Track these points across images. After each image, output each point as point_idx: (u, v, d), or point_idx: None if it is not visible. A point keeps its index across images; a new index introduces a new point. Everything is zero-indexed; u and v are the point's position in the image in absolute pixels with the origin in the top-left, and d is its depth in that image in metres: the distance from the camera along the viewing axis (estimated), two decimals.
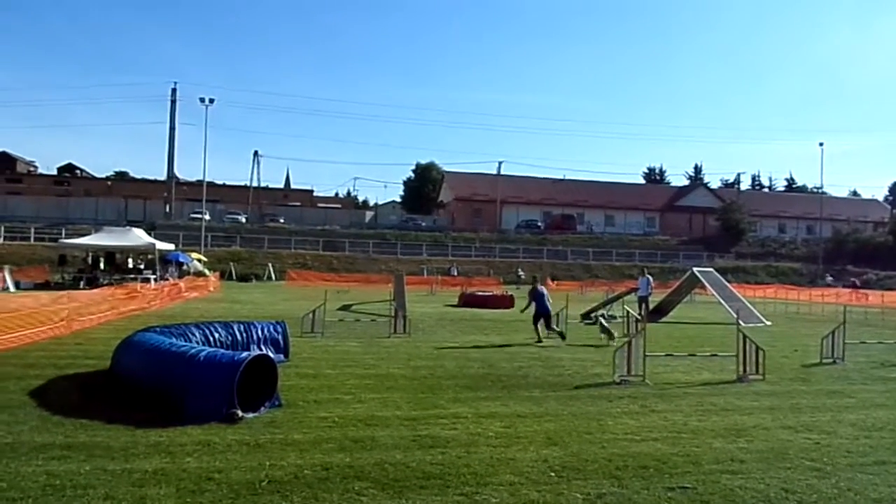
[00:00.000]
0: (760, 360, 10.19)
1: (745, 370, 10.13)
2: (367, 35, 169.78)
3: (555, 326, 15.17)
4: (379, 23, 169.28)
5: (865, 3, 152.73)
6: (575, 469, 5.53)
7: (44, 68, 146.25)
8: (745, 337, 10.27)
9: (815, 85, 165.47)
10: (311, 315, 14.78)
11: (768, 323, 20.54)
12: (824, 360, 12.32)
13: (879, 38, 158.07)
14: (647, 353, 9.85)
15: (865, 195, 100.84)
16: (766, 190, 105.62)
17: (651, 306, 22.37)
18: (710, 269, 25.24)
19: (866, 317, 24.34)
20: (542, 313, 15.12)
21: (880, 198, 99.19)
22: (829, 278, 55.26)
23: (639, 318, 15.12)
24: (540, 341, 14.64)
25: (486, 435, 6.54)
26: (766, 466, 5.73)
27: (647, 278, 22.99)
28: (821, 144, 75.45)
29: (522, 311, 16.30)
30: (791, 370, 11.40)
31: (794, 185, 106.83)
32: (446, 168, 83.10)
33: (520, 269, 52.31)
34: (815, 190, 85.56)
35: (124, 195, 68.44)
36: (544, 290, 15.62)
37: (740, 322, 11.08)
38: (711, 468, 5.64)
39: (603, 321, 15.97)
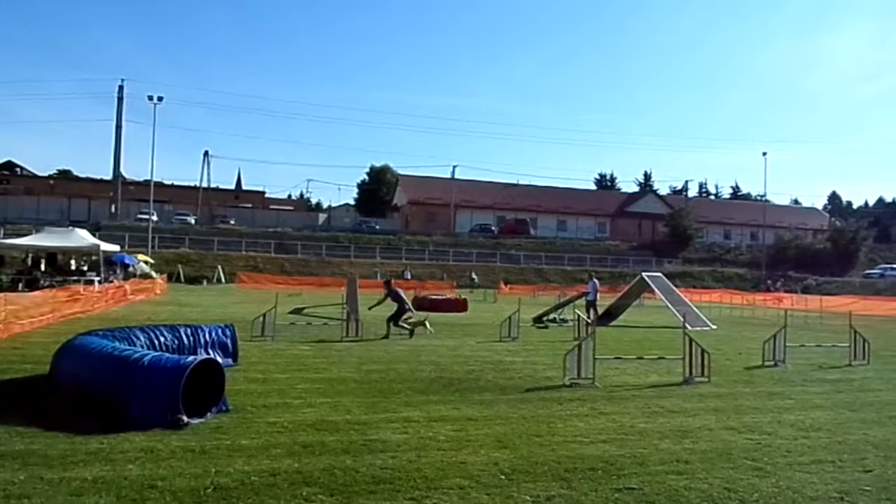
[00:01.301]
0: (706, 362, 10.44)
1: (691, 373, 10.37)
2: (322, 37, 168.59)
3: (403, 324, 16.12)
4: (334, 25, 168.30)
5: (807, 19, 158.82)
6: (525, 472, 5.56)
7: None
8: (691, 340, 10.51)
9: (759, 96, 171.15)
10: (261, 318, 14.55)
11: (714, 327, 21.09)
12: (766, 363, 12.70)
13: (821, 52, 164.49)
14: (596, 357, 10.00)
15: (806, 203, 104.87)
16: (712, 197, 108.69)
17: (601, 310, 22.75)
18: (659, 274, 25.80)
19: (806, 321, 25.21)
20: (399, 310, 16.22)
21: (820, 206, 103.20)
22: (778, 283, 56.98)
23: (588, 321, 15.43)
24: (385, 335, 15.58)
25: (437, 439, 6.52)
26: (710, 466, 5.86)
27: (595, 282, 23.44)
28: (764, 154, 78.13)
29: (371, 308, 16.89)
30: (735, 372, 11.71)
31: (739, 193, 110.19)
32: (401, 171, 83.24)
33: (473, 273, 52.58)
34: (758, 198, 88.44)
35: (67, 194, 66.29)
36: (400, 290, 17.04)
37: (687, 326, 11.33)
38: (657, 469, 5.75)
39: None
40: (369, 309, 16.92)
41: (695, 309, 22.45)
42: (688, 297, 26.53)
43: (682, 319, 11.97)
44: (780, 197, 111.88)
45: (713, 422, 7.66)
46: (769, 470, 5.80)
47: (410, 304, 16.72)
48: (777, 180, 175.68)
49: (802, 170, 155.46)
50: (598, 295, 23.28)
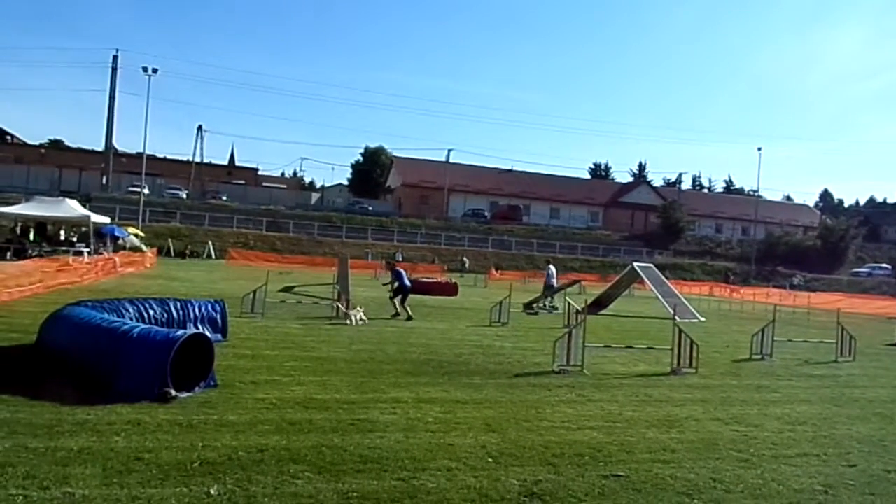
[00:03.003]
0: (694, 354, 10.50)
1: (679, 363, 10.42)
2: (320, 15, 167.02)
3: (406, 307, 16.40)
4: (332, 3, 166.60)
5: (804, 16, 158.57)
6: (512, 455, 5.57)
7: None
8: (680, 331, 10.55)
9: (755, 92, 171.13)
10: (251, 295, 14.49)
11: (702, 319, 21.20)
12: (754, 356, 12.78)
13: (817, 50, 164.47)
14: (586, 344, 10.03)
15: (798, 200, 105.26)
16: (705, 191, 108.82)
17: (590, 299, 22.78)
18: (650, 265, 25.87)
19: (794, 316, 25.37)
20: (404, 290, 16.71)
21: (811, 203, 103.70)
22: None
23: (579, 310, 15.45)
24: (407, 317, 15.90)
25: (425, 420, 6.53)
26: (697, 456, 5.89)
27: (551, 268, 24.25)
28: (759, 149, 77.71)
29: (384, 284, 18.57)
30: (722, 365, 11.78)
31: (731, 188, 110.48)
32: (395, 153, 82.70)
33: (464, 258, 52.58)
34: (751, 193, 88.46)
35: (58, 164, 65.60)
36: (402, 270, 17.60)
37: (676, 317, 11.37)
38: (644, 457, 5.77)
39: None
40: (383, 285, 18.49)
41: (684, 301, 22.54)
42: (678, 289, 26.62)
43: (671, 311, 12.01)
44: (772, 193, 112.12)
45: (700, 412, 7.71)
46: (754, 461, 5.84)
47: (402, 288, 16.71)
48: (770, 176, 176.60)
49: (796, 166, 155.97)
50: (556, 280, 24.06)
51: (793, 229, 77.59)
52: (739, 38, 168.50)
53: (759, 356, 12.75)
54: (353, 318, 14.10)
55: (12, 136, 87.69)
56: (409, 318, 15.76)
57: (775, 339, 12.89)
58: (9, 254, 27.24)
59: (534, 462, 5.45)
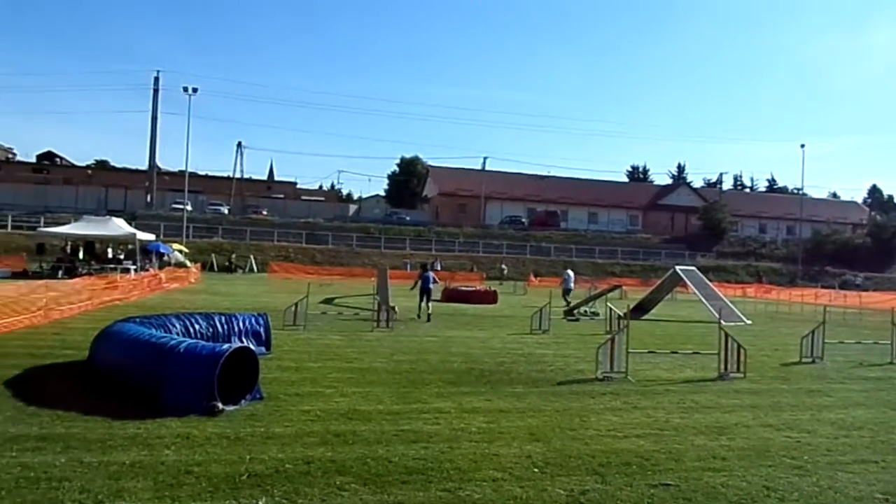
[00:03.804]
0: (742, 358, 10.26)
1: (726, 368, 10.19)
2: (354, 29, 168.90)
3: (427, 309, 18.03)
4: (366, 17, 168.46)
5: (850, 9, 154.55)
6: (558, 465, 5.51)
7: (24, 54, 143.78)
8: (726, 335, 10.33)
9: (797, 87, 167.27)
10: (293, 308, 14.67)
11: (749, 322, 20.71)
12: (804, 360, 12.44)
13: (862, 43, 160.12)
14: (629, 350, 9.89)
15: (845, 197, 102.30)
16: (747, 190, 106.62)
17: (632, 304, 22.51)
18: (692, 268, 25.37)
19: (845, 317, 24.63)
20: (424, 290, 18.31)
21: (859, 200, 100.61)
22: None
23: (621, 315, 15.30)
24: (426, 318, 17.54)
25: (469, 430, 6.51)
26: (748, 464, 5.75)
27: (569, 273, 26.76)
28: (802, 146, 75.76)
29: (411, 289, 19.61)
30: (771, 369, 11.49)
31: (775, 186, 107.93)
32: (431, 163, 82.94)
33: (503, 265, 52.36)
34: (795, 191, 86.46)
35: (105, 184, 67.45)
36: (431, 274, 19.44)
37: (721, 321, 11.14)
38: (694, 465, 5.66)
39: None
40: (411, 289, 19.29)
41: (729, 304, 22.06)
42: (721, 291, 26.09)
43: (716, 314, 11.77)
44: (817, 190, 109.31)
45: (750, 418, 7.52)
46: (809, 469, 5.67)
47: (428, 287, 18.54)
48: (815, 173, 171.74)
49: (841, 162, 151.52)
50: (574, 284, 26.47)
51: (840, 227, 75.29)
52: (778, 34, 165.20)
53: (810, 359, 12.40)
54: (395, 315, 15.21)
55: (61, 158, 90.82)
56: (427, 320, 17.24)
57: (826, 341, 12.54)
58: (60, 272, 28.11)
59: (580, 471, 5.38)
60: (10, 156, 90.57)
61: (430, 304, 18.27)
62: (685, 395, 8.72)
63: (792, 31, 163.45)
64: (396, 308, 16.63)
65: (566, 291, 25.47)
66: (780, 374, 11.06)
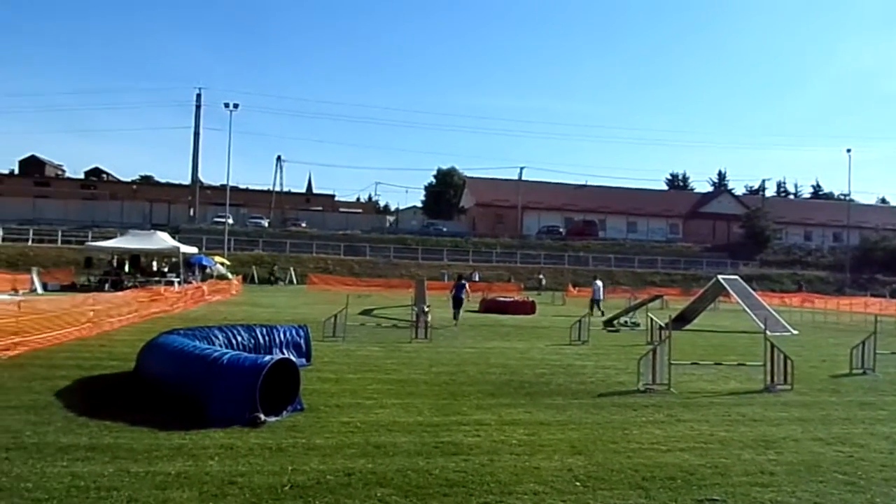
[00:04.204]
0: (788, 369, 9.99)
1: (772, 380, 9.94)
2: (389, 40, 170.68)
3: (458, 315, 20.18)
4: (400, 28, 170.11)
5: (893, 11, 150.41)
6: (600, 479, 5.43)
7: (72, 74, 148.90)
8: (772, 346, 10.08)
9: (842, 91, 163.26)
10: (332, 319, 14.79)
11: (795, 332, 20.19)
12: (854, 371, 12.06)
13: None
14: (671, 362, 9.71)
15: (894, 202, 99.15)
16: (791, 197, 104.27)
17: (673, 314, 22.15)
18: (736, 277, 24.92)
19: None
20: (455, 299, 20.53)
21: None
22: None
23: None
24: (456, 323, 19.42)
25: (510, 442, 6.46)
26: (798, 479, 5.58)
27: (598, 283, 26.88)
28: (848, 151, 73.58)
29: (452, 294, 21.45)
30: (820, 380, 11.16)
31: (820, 192, 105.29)
32: (468, 173, 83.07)
33: (541, 275, 52.04)
34: (842, 197, 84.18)
35: (149, 199, 69.22)
36: (465, 282, 21.88)
37: (767, 331, 10.87)
38: (741, 480, 5.52)
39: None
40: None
41: (774, 313, 21.57)
42: (766, 300, 25.51)
43: (761, 324, 11.50)
44: (865, 196, 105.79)
45: (799, 432, 7.31)
46: (863, 485, 5.48)
47: (460, 296, 20.60)
48: (862, 178, 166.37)
49: (890, 167, 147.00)
50: (603, 293, 26.88)
51: (890, 234, 72.99)
52: (820, 37, 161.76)
53: (861, 370, 12.02)
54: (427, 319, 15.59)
55: (108, 174, 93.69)
56: (454, 323, 19.40)
57: (878, 351, 12.14)
58: (107, 285, 28.86)
59: (623, 486, 5.29)
60: (60, 172, 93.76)
61: (460, 311, 20.37)
62: (730, 408, 8.53)
63: (837, 34, 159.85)
64: (429, 310, 16.86)
65: (595, 301, 25.92)
66: (830, 385, 10.74)
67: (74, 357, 10.66)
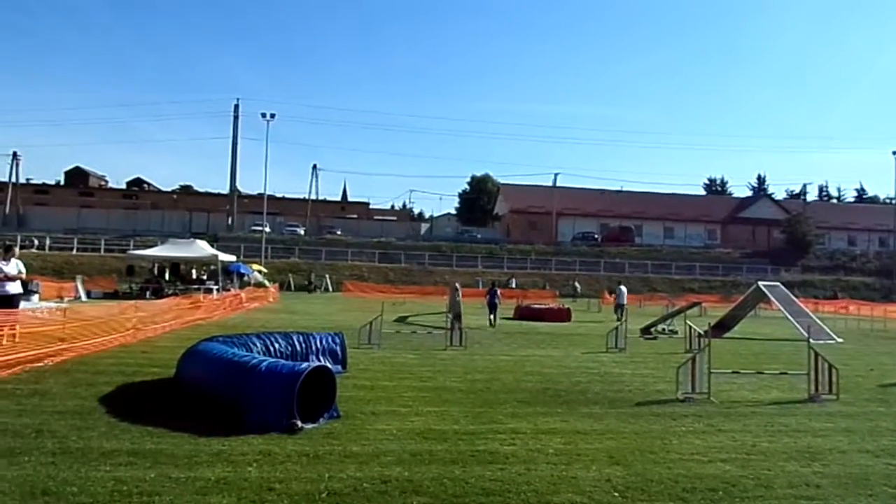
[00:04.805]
0: (834, 378, 9.72)
1: (817, 389, 9.68)
2: (423, 49, 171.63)
3: (491, 318, 22.17)
4: (434, 37, 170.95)
5: None
6: (639, 489, 5.34)
7: (114, 86, 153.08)
8: (816, 354, 9.82)
9: (885, 93, 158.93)
10: (368, 326, 14.87)
11: (840, 340, 19.66)
12: None
13: None
14: (711, 370, 9.53)
15: None
16: (834, 201, 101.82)
17: (713, 321, 21.76)
18: (777, 284, 24.37)
19: None
20: (489, 304, 22.59)
21: None
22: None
23: (702, 333, 14.81)
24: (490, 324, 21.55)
25: (546, 452, 6.40)
26: (845, 493, 5.42)
27: (622, 289, 27.61)
28: (893, 153, 71.80)
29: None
30: (867, 390, 10.83)
31: (864, 196, 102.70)
32: (502, 180, 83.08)
33: (576, 282, 51.63)
34: (887, 201, 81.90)
35: (189, 208, 70.71)
36: (497, 289, 23.66)
37: (810, 339, 10.60)
38: (785, 493, 5.38)
39: None
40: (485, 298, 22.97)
41: (818, 321, 21.04)
42: (809, 307, 24.90)
43: (804, 332, 11.22)
44: None
45: (845, 443, 7.10)
46: None
47: (494, 301, 22.66)
48: None
49: None
50: (626, 298, 27.16)
51: None
52: (860, 38, 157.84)
53: None
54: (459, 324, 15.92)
55: (149, 184, 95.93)
56: (490, 325, 21.47)
57: None
58: (148, 293, 29.49)
59: (663, 497, 5.20)
60: (103, 183, 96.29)
61: (496, 315, 22.27)
62: (773, 418, 8.32)
63: (878, 35, 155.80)
64: (461, 314, 17.04)
65: (619, 307, 26.15)
66: (878, 395, 10.41)
67: (117, 363, 10.88)
